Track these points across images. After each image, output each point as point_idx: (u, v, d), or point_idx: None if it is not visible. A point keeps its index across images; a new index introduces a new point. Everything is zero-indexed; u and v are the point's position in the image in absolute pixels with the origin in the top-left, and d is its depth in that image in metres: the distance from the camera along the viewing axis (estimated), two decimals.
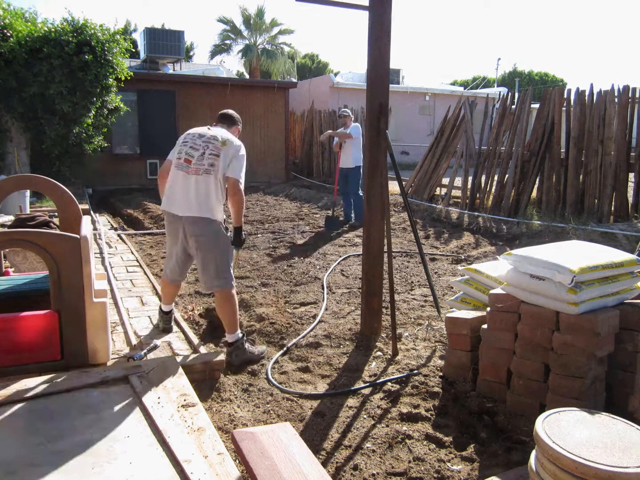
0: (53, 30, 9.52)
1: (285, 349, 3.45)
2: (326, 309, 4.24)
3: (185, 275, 3.50)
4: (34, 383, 2.56)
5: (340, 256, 6.06)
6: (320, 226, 8.05)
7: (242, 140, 3.41)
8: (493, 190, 8.64)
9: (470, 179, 9.01)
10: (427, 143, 12.89)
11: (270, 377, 3.04)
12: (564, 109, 7.86)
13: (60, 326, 2.87)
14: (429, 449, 2.35)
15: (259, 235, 7.44)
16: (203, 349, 3.39)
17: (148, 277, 5.22)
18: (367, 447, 2.36)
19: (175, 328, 3.84)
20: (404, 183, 11.17)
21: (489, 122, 9.08)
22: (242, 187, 3.15)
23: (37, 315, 2.85)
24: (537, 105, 8.38)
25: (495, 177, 8.65)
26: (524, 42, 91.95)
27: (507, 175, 8.46)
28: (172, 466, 1.97)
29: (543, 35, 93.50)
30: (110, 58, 9.94)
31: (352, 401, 2.79)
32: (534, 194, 8.26)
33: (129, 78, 10.71)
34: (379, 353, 3.37)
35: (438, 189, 10.02)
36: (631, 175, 7.36)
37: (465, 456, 2.30)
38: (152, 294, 4.67)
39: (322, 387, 2.96)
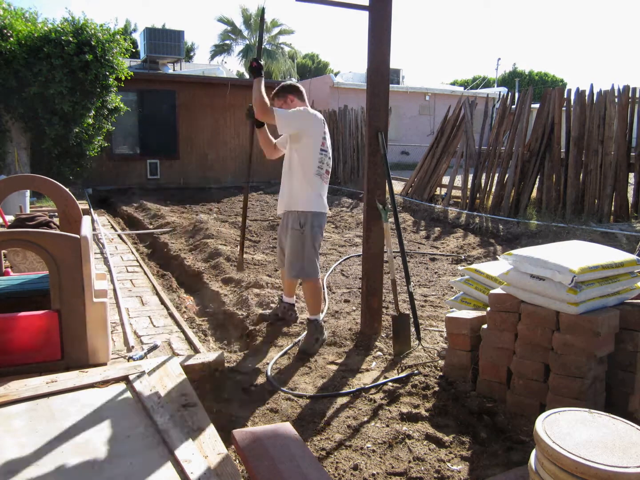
0: (53, 30, 9.51)
1: (286, 349, 3.45)
2: (326, 309, 4.24)
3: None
4: (34, 383, 2.56)
5: (340, 256, 6.06)
6: None
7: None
8: (493, 190, 8.65)
9: (470, 178, 9.01)
10: (427, 143, 12.90)
11: (270, 377, 3.04)
12: (564, 109, 7.86)
13: (60, 326, 2.87)
14: (429, 449, 2.35)
15: (259, 234, 7.44)
16: (203, 349, 3.39)
17: (148, 277, 5.22)
18: (367, 447, 2.36)
19: (175, 328, 3.84)
20: (404, 183, 11.16)
21: (489, 122, 9.08)
22: None
23: (37, 315, 2.85)
24: (537, 105, 8.39)
25: (495, 177, 8.66)
26: (524, 42, 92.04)
27: (507, 175, 8.47)
28: (172, 466, 1.97)
29: (543, 35, 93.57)
30: (111, 58, 9.92)
31: (352, 401, 2.78)
32: (534, 194, 8.26)
33: (129, 78, 10.70)
34: (379, 353, 3.37)
35: (438, 188, 10.03)
36: (631, 175, 7.37)
37: (465, 456, 2.30)
38: (152, 294, 4.67)
39: (322, 387, 2.96)
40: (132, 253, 6.34)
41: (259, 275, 5.01)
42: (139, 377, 2.64)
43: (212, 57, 29.34)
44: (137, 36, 21.22)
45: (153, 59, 14.68)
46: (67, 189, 3.90)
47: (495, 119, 8.89)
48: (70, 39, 9.40)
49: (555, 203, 7.84)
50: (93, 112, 10.14)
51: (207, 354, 3.17)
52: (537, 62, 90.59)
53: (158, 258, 6.34)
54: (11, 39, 9.22)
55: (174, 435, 2.14)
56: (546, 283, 2.45)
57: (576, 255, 2.56)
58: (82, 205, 7.98)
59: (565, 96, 7.86)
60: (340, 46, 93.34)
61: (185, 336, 3.65)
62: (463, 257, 6.18)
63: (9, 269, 4.02)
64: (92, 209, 9.10)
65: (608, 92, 7.32)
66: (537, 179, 8.19)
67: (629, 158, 7.26)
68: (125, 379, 2.65)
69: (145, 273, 5.38)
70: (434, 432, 2.46)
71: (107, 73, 9.94)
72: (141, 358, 3.16)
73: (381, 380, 2.98)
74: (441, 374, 3.02)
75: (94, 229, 7.14)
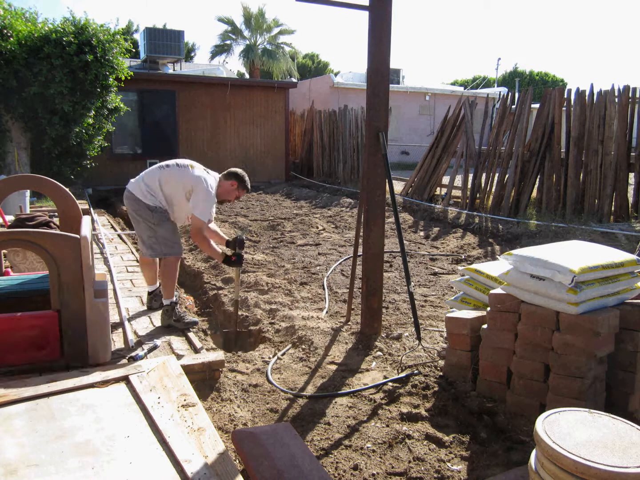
0: (54, 30, 9.51)
1: (285, 349, 3.45)
2: (327, 309, 4.24)
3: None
4: (34, 383, 2.56)
5: (340, 256, 6.06)
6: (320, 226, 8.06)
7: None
8: (493, 190, 8.65)
9: (470, 178, 9.01)
10: (427, 143, 12.90)
11: (270, 377, 3.04)
12: (564, 109, 7.86)
13: (60, 326, 2.87)
14: (429, 449, 2.35)
15: (260, 235, 7.44)
16: (203, 349, 3.39)
17: None
18: (367, 447, 2.36)
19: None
20: (404, 183, 11.16)
21: (489, 122, 9.08)
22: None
23: (37, 315, 2.85)
24: (537, 105, 8.39)
25: (495, 177, 8.66)
26: (524, 42, 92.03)
27: (507, 175, 8.46)
28: (172, 466, 1.97)
29: (543, 35, 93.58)
30: (111, 58, 9.92)
31: (352, 401, 2.79)
32: (534, 194, 8.26)
33: (129, 78, 10.70)
34: (379, 353, 3.37)
35: (438, 188, 10.03)
36: (631, 175, 7.37)
37: (465, 456, 2.30)
38: None
39: (322, 387, 2.96)
40: (132, 253, 6.33)
41: (259, 276, 5.02)
42: (139, 377, 2.64)
43: (212, 57, 29.30)
44: (138, 36, 21.21)
45: (153, 59, 14.68)
46: (67, 189, 3.90)
47: (495, 119, 8.89)
48: (71, 39, 9.40)
49: (556, 203, 7.84)
50: (93, 112, 10.13)
51: (207, 354, 3.17)
52: (538, 62, 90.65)
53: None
54: (11, 39, 9.22)
55: (174, 435, 2.14)
56: (546, 283, 2.45)
57: (576, 255, 2.56)
58: (82, 205, 7.98)
59: (565, 96, 7.86)
60: (340, 46, 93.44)
61: (185, 336, 3.64)
62: (463, 257, 6.18)
63: (9, 269, 4.02)
64: (92, 209, 9.10)
65: (608, 92, 7.32)
66: (537, 179, 8.18)
67: (629, 158, 7.26)
68: (125, 379, 2.65)
69: None
70: (434, 432, 2.46)
71: (107, 73, 9.94)
72: (141, 358, 3.16)
73: (381, 380, 2.98)
74: (441, 374, 3.02)
75: (94, 229, 7.14)
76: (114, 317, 3.92)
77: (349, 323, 3.91)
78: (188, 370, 2.82)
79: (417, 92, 21.29)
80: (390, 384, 2.94)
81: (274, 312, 4.11)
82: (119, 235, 7.38)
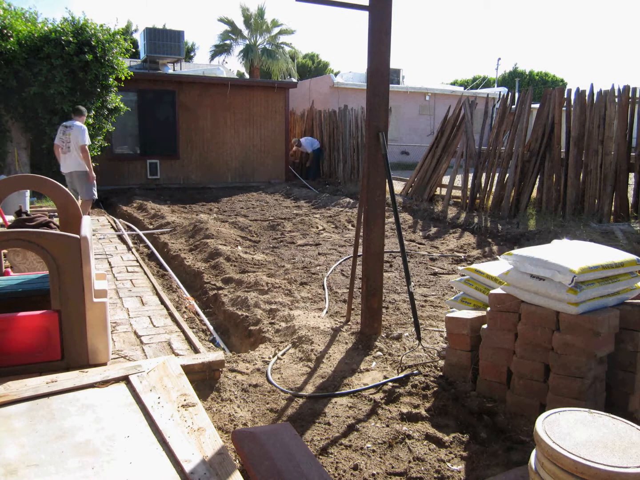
0: (53, 30, 9.52)
1: (285, 349, 3.46)
2: (327, 309, 4.24)
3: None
4: (34, 383, 2.56)
5: (340, 256, 6.06)
6: (320, 226, 8.07)
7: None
8: (493, 190, 8.65)
9: (470, 178, 9.01)
10: (427, 143, 12.89)
11: (270, 377, 3.04)
12: (564, 109, 7.87)
13: (60, 326, 2.87)
14: (429, 449, 2.35)
15: (260, 235, 7.44)
16: (203, 349, 3.39)
17: (148, 277, 5.22)
18: (367, 447, 2.36)
19: (175, 328, 3.84)
20: (404, 183, 11.16)
21: (489, 122, 9.08)
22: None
23: (37, 315, 2.85)
24: (537, 105, 8.39)
25: (495, 177, 8.66)
26: (524, 42, 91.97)
27: (507, 175, 8.47)
28: (172, 466, 1.97)
29: (543, 35, 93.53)
30: (111, 58, 9.93)
31: (352, 401, 2.79)
32: (534, 194, 8.26)
33: (129, 78, 10.70)
34: (379, 353, 3.37)
35: (438, 189, 10.03)
36: (631, 175, 7.37)
37: (465, 456, 2.30)
38: (152, 294, 4.67)
39: (322, 387, 2.96)
40: (132, 253, 6.33)
41: (259, 276, 5.02)
42: (139, 377, 2.64)
43: (212, 57, 29.32)
44: (138, 36, 21.20)
45: (153, 59, 14.67)
46: (67, 189, 3.90)
47: (495, 119, 8.89)
48: (71, 39, 9.40)
49: (556, 203, 7.84)
50: (93, 112, 10.13)
51: (207, 354, 3.17)
52: (538, 62, 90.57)
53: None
54: (11, 39, 9.22)
55: (174, 435, 2.14)
56: (546, 283, 2.45)
57: (576, 255, 2.56)
58: None
59: (565, 96, 7.86)
60: (340, 46, 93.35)
61: (185, 336, 3.65)
62: (463, 257, 6.18)
63: (9, 269, 4.02)
64: (91, 209, 9.08)
65: (608, 92, 7.32)
66: (537, 179, 8.19)
67: (629, 158, 7.26)
68: (125, 379, 2.65)
69: (145, 273, 5.38)
70: (434, 432, 2.46)
71: (107, 73, 9.94)
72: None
73: (381, 380, 2.98)
74: (441, 374, 3.02)
75: (93, 229, 7.14)
76: (114, 317, 3.92)
77: (349, 323, 3.91)
78: (188, 370, 2.82)
79: (417, 92, 21.28)
80: (390, 384, 2.94)
81: (274, 312, 4.11)
82: (119, 235, 7.38)
